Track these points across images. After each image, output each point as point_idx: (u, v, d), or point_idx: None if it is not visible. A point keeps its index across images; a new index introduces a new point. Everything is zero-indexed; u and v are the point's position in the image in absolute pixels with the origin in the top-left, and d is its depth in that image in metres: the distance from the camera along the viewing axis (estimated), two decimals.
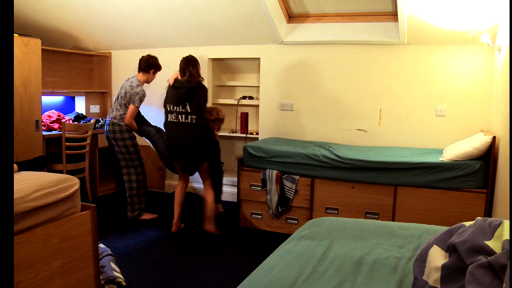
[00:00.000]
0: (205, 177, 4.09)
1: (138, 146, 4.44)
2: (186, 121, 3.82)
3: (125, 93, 4.27)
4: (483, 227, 1.42)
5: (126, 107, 4.28)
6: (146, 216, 4.44)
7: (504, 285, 1.11)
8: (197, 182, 5.37)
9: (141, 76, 4.34)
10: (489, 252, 1.30)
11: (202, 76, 4.06)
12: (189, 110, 3.82)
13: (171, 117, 3.88)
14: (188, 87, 3.81)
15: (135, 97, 4.21)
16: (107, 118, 4.36)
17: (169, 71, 5.34)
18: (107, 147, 5.19)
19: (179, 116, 3.84)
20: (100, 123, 5.29)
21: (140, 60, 4.34)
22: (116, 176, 4.69)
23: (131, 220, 4.37)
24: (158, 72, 4.46)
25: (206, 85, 5.14)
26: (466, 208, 3.40)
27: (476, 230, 1.41)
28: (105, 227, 4.13)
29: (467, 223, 1.54)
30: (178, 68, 4.03)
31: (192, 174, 4.10)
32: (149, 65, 4.32)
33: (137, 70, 4.37)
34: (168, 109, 3.89)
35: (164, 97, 3.98)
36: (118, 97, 4.35)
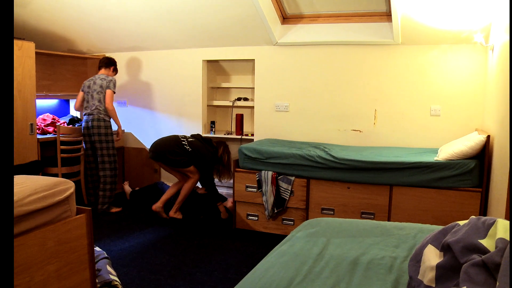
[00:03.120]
0: (191, 177, 4.46)
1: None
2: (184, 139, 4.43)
3: (100, 86, 4.59)
4: (477, 226, 1.43)
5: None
6: (114, 209, 4.78)
7: (497, 283, 1.12)
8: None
9: (105, 72, 4.78)
10: (483, 250, 1.31)
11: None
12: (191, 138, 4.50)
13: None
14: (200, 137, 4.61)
15: (110, 83, 4.61)
16: (88, 115, 4.60)
17: (163, 74, 5.37)
18: None
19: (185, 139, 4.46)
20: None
21: (102, 59, 4.78)
22: (90, 173, 4.87)
23: (101, 213, 4.69)
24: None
25: (201, 87, 5.19)
26: (461, 207, 3.41)
27: (470, 229, 1.42)
28: (100, 230, 4.12)
29: (461, 222, 1.55)
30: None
31: (158, 160, 4.39)
32: (110, 62, 4.79)
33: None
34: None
35: None
36: (91, 94, 4.62)
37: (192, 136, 4.54)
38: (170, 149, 4.30)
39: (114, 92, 4.64)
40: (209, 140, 4.60)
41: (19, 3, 4.71)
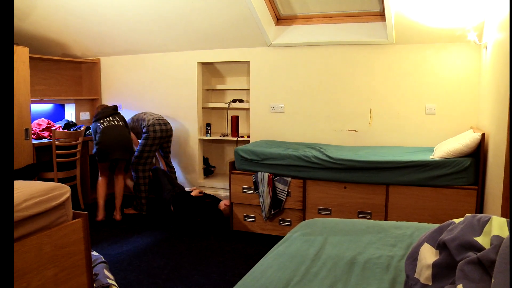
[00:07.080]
0: (119, 173, 4.74)
1: None
2: (119, 123, 4.57)
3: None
4: (472, 223, 1.43)
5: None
6: None
7: (493, 280, 1.13)
8: (202, 186, 5.37)
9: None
10: (478, 248, 1.31)
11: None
12: (118, 119, 4.62)
13: (105, 124, 4.49)
14: (114, 106, 4.74)
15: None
16: (157, 119, 4.83)
17: (158, 77, 5.36)
18: None
19: (112, 122, 4.54)
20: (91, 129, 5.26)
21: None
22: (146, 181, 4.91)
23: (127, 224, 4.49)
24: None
25: (196, 90, 5.19)
26: (457, 205, 3.43)
27: (466, 227, 1.43)
28: (97, 235, 4.11)
29: (457, 220, 1.56)
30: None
31: (127, 159, 4.66)
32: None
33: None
34: (102, 121, 4.52)
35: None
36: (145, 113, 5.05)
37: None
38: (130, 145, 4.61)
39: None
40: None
41: (19, 16, 4.72)
